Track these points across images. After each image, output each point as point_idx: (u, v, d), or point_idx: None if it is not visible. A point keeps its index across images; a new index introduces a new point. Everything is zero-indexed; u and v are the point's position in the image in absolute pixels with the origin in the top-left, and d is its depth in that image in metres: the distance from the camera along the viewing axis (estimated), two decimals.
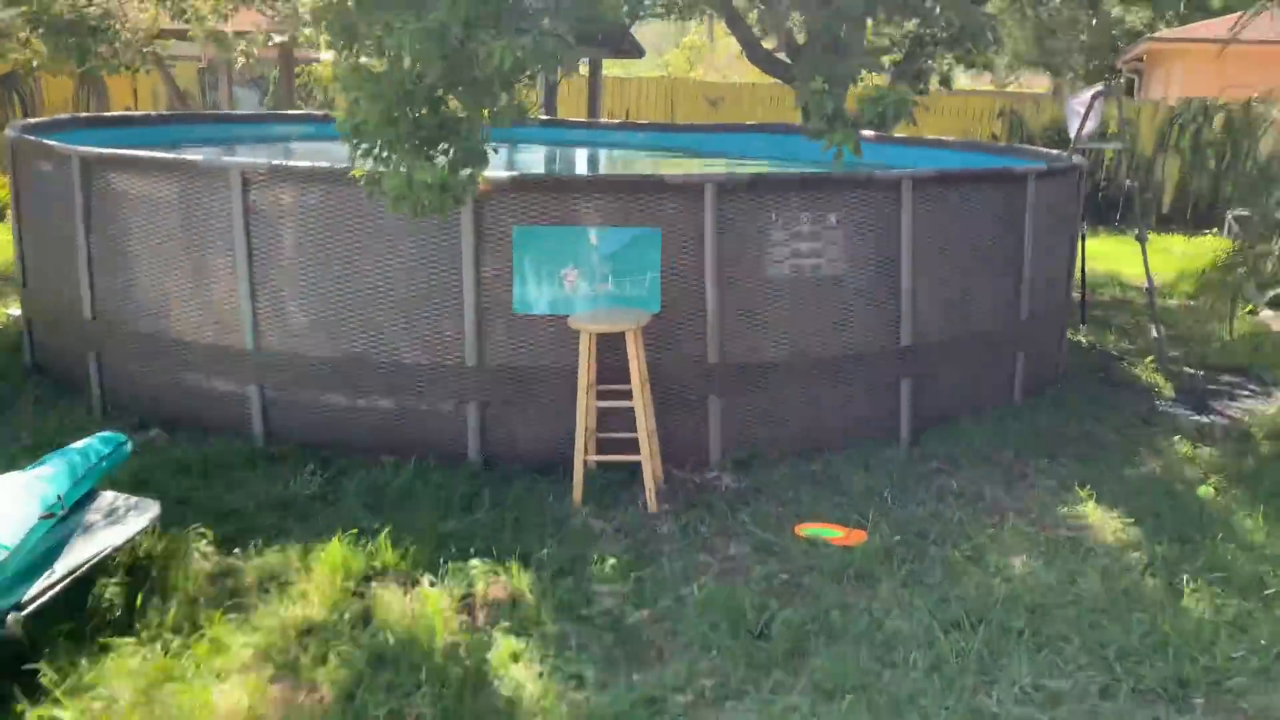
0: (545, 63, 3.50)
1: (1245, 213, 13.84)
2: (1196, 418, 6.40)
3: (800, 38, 12.70)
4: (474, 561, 3.98)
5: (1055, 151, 8.19)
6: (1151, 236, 14.58)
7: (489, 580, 3.88)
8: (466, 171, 3.71)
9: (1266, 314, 9.14)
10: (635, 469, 4.77)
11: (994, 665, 3.53)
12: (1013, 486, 5.14)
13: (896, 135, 11.16)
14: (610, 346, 4.86)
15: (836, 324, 5.34)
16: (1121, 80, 23.40)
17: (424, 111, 3.54)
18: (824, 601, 3.90)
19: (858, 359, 5.42)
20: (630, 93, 19.28)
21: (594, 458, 4.79)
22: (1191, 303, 9.95)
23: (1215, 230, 15.17)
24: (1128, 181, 7.00)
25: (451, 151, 3.67)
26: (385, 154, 3.47)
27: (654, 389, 5.01)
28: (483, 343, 4.90)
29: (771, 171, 4.91)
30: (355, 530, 4.17)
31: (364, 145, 3.56)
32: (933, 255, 5.59)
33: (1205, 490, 5.12)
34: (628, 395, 4.71)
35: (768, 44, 13.37)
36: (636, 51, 16.63)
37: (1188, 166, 15.72)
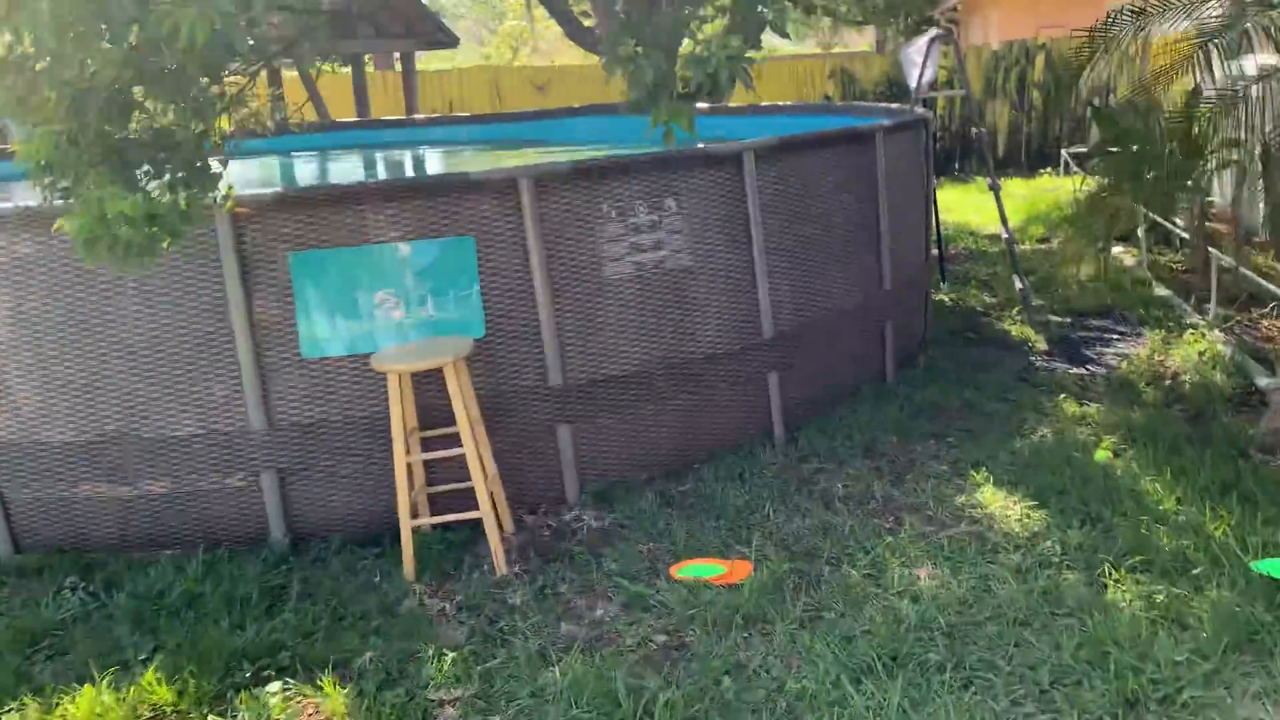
0: (263, 45, 2.70)
1: (1082, 149, 14.01)
2: (1075, 370, 6.08)
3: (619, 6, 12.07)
4: (273, 686, 3.15)
5: (895, 105, 7.79)
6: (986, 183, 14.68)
7: (293, 708, 3.07)
8: (181, 195, 2.84)
9: (1116, 250, 9.04)
10: (479, 524, 4.02)
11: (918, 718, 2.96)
12: (902, 478, 4.62)
13: (730, 105, 10.68)
14: (433, 382, 4.08)
15: (691, 322, 4.69)
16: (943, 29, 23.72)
17: (125, 122, 2.68)
18: (712, 665, 3.25)
19: (719, 358, 4.80)
20: (451, 85, 18.26)
21: (425, 520, 4.01)
22: (1043, 246, 9.81)
23: (1050, 170, 15.38)
24: (974, 130, 6.57)
25: (169, 172, 2.82)
26: (69, 185, 2.60)
27: (492, 425, 4.26)
28: (269, 400, 4.03)
29: (595, 158, 4.19)
30: (119, 664, 3.28)
31: (48, 178, 2.67)
32: (786, 232, 5.01)
33: (1102, 454, 4.72)
34: (459, 440, 3.95)
35: (588, 21, 12.68)
36: (450, 41, 15.65)
37: (1016, 109, 15.87)
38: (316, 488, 4.17)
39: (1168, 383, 5.72)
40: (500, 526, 4.18)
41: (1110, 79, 15.42)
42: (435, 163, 8.83)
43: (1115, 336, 6.77)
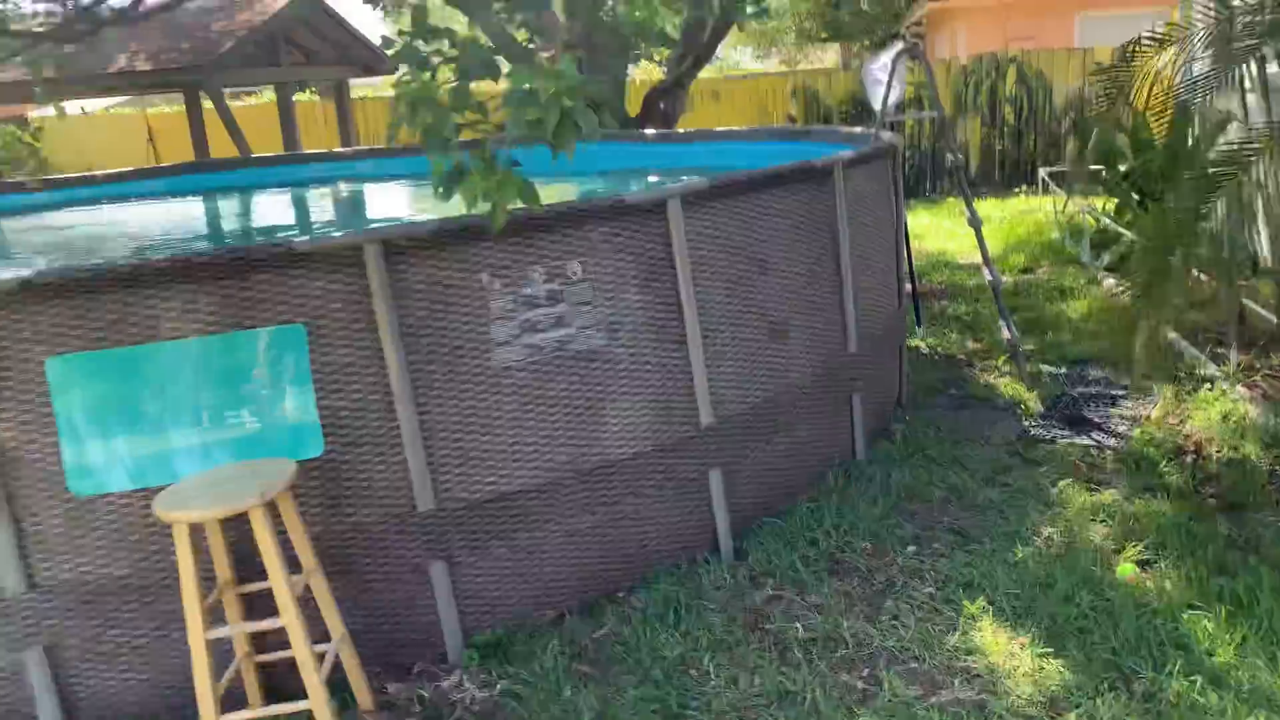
0: None
1: (1061, 168, 13.20)
2: (1078, 440, 5.13)
3: (565, 32, 11.16)
4: None
5: (859, 130, 6.87)
6: (959, 205, 13.83)
7: None
8: None
9: (1109, 282, 8.15)
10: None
11: None
12: (878, 609, 3.64)
13: (677, 131, 9.76)
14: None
15: (607, 416, 3.71)
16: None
17: None
18: None
19: (646, 458, 3.81)
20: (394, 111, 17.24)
21: (241, 716, 2.97)
22: (1027, 276, 8.91)
23: (1025, 188, 14.57)
24: (949, 156, 5.64)
25: None
26: None
27: (341, 569, 3.25)
28: (26, 554, 3.00)
29: (474, 215, 3.20)
30: None
31: None
32: (726, 294, 4.05)
33: (1127, 568, 3.76)
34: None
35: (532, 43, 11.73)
36: (390, 68, 14.68)
37: (988, 125, 15.07)
38: (102, 668, 3.14)
39: (1191, 457, 4.78)
40: (356, 703, 3.17)
41: (1086, 93, 14.65)
42: (323, 208, 7.75)
43: (1119, 392, 5.84)
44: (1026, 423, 5.45)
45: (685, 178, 4.10)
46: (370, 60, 14.33)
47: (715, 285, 4.00)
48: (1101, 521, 4.19)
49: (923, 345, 7.06)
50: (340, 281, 3.20)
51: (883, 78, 5.99)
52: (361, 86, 30.22)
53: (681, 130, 9.85)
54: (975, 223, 5.90)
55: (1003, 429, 5.36)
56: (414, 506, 3.36)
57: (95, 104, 21.15)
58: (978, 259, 9.23)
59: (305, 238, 3.11)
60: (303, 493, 3.22)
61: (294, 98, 15.77)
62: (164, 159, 15.82)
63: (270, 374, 3.15)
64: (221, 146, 13.04)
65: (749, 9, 9.45)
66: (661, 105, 11.38)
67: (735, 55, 32.69)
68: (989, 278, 5.98)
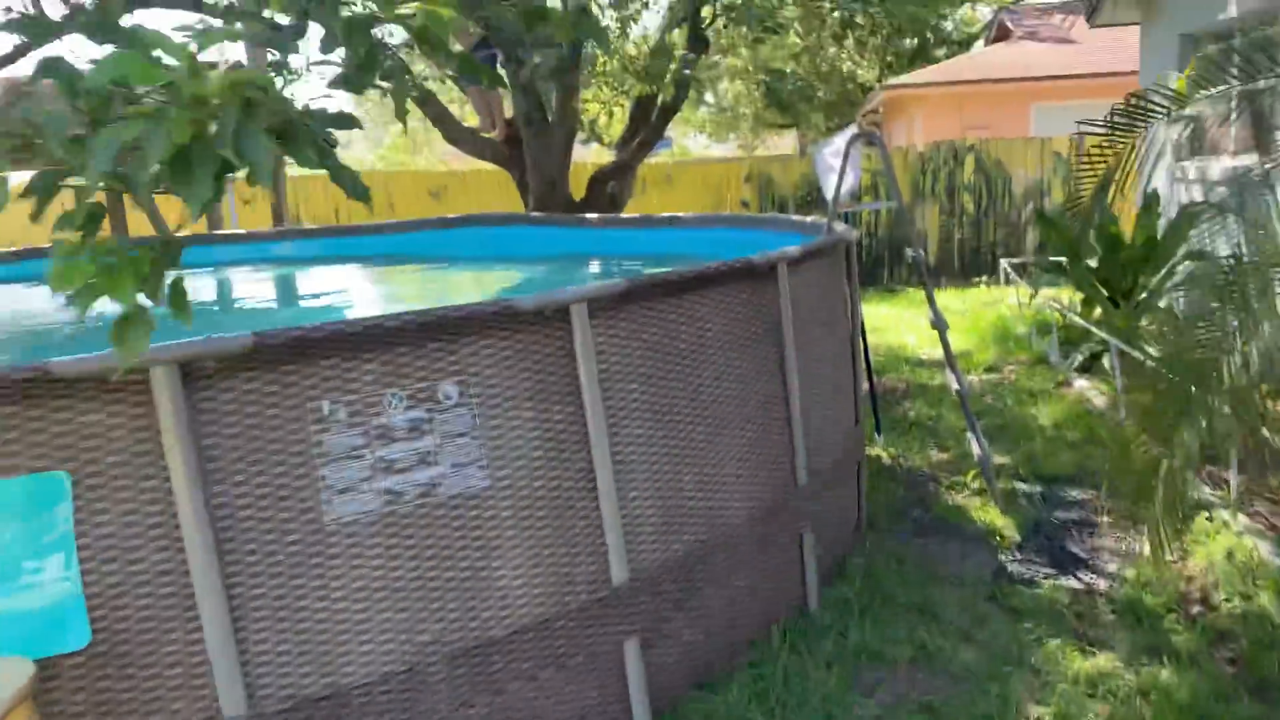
0: None
1: (1024, 260, 12.79)
2: (1063, 581, 4.41)
3: (507, 108, 10.61)
4: None
5: (811, 218, 6.27)
6: (922, 294, 13.35)
7: None
8: None
9: (1081, 384, 7.56)
10: None
11: None
12: None
13: (624, 215, 9.17)
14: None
15: (490, 580, 2.92)
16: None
17: None
18: None
19: (541, 630, 3.02)
20: (336, 191, 16.61)
21: None
22: (992, 376, 8.30)
23: (986, 278, 14.16)
24: (910, 253, 5.02)
25: None
26: None
27: None
28: None
29: (314, 324, 2.44)
30: None
31: None
32: (645, 419, 3.31)
33: None
34: None
35: (472, 120, 11.19)
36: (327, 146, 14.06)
37: (946, 213, 14.73)
38: None
39: (1198, 608, 4.07)
40: None
41: (1045, 182, 14.40)
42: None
43: (1106, 518, 5.15)
44: (1003, 556, 4.73)
45: (607, 276, 3.41)
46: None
47: (632, 409, 3.26)
48: (1102, 699, 3.44)
49: (883, 455, 6.36)
50: (123, 414, 2.42)
51: (836, 164, 5.40)
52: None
53: (626, 215, 9.26)
54: (940, 325, 5.26)
55: (976, 564, 4.63)
56: (219, 711, 2.53)
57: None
58: (940, 354, 8.63)
59: (71, 357, 2.34)
60: (55, 702, 2.38)
61: (232, 176, 15.09)
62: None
63: (20, 537, 2.34)
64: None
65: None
66: (609, 188, 10.83)
67: (690, 142, 32.69)
68: (956, 387, 5.31)
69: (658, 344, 3.36)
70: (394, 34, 8.33)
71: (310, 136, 1.62)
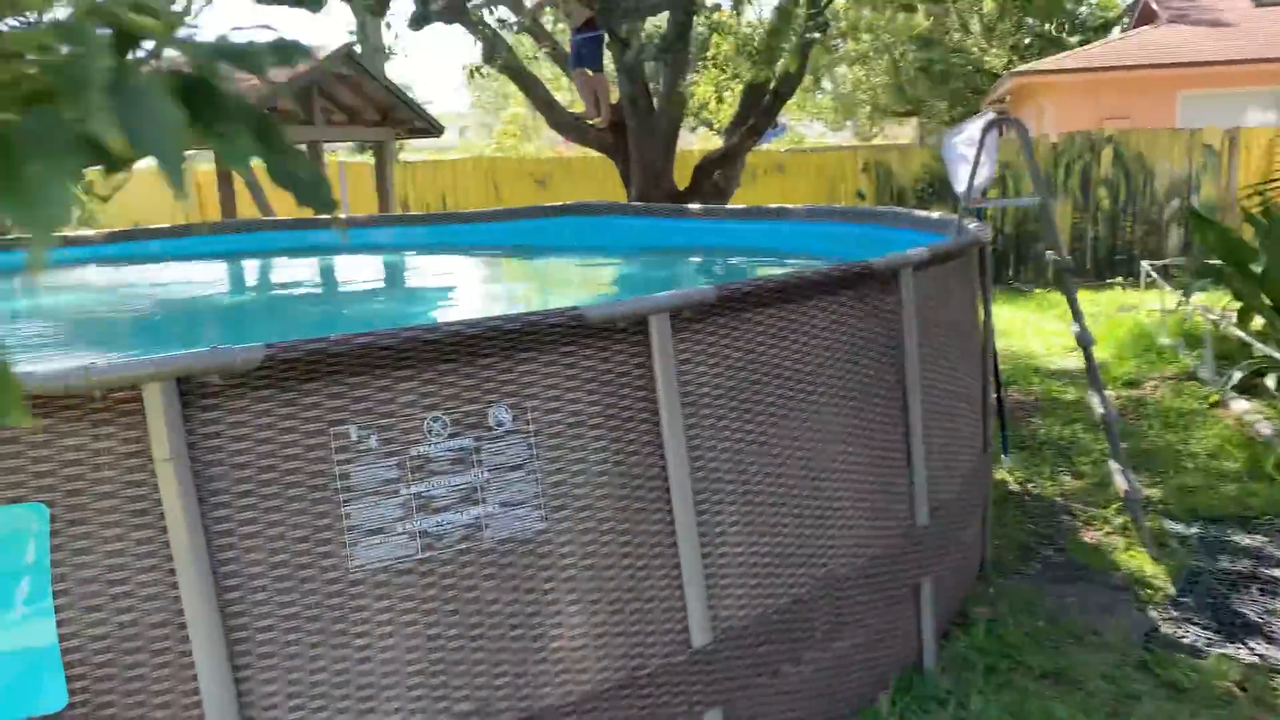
0: None
1: (1168, 261, 11.75)
2: (1230, 650, 3.73)
3: (614, 93, 10.17)
4: None
5: (937, 214, 5.63)
6: (1051, 296, 12.38)
7: None
8: None
9: (1240, 406, 6.69)
10: None
11: None
12: None
13: (729, 207, 8.63)
14: None
15: (543, 638, 2.47)
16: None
17: None
18: None
19: (603, 701, 2.55)
20: (445, 176, 16.53)
21: None
22: (1133, 392, 7.48)
23: (1122, 279, 13.09)
24: (1052, 256, 4.35)
25: None
26: None
27: None
28: None
29: (335, 336, 2.02)
30: None
31: None
32: (734, 451, 2.81)
33: None
34: None
35: (578, 107, 10.81)
36: (433, 130, 13.92)
37: (1080, 209, 13.68)
38: None
39: None
40: None
41: (1194, 177, 13.22)
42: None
43: (1276, 568, 4.41)
44: (1154, 613, 4.05)
45: (706, 272, 2.92)
46: (414, 123, 13.56)
47: (720, 439, 2.76)
48: None
49: (1010, 478, 5.70)
50: (113, 438, 2.05)
51: (969, 153, 4.76)
52: (425, 149, 30.01)
53: (731, 206, 8.71)
54: (1085, 340, 4.59)
55: (1123, 621, 3.97)
56: None
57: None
58: (1073, 362, 7.87)
59: (51, 369, 1.97)
60: None
61: (347, 159, 15.15)
62: (194, 217, 15.22)
63: None
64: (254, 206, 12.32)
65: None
66: (715, 176, 10.29)
67: (805, 129, 31.77)
68: (1101, 410, 4.62)
69: (753, 363, 2.84)
70: None
71: (246, 110, 1.06)
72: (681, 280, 7.16)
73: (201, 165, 17.50)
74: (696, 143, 21.96)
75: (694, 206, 8.20)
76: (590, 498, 2.51)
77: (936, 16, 21.10)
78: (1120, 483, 4.69)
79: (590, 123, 10.05)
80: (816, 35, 8.76)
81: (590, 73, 9.72)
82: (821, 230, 7.02)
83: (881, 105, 26.35)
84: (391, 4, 6.83)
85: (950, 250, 3.74)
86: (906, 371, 3.40)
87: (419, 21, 6.06)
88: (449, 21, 6.30)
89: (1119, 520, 4.99)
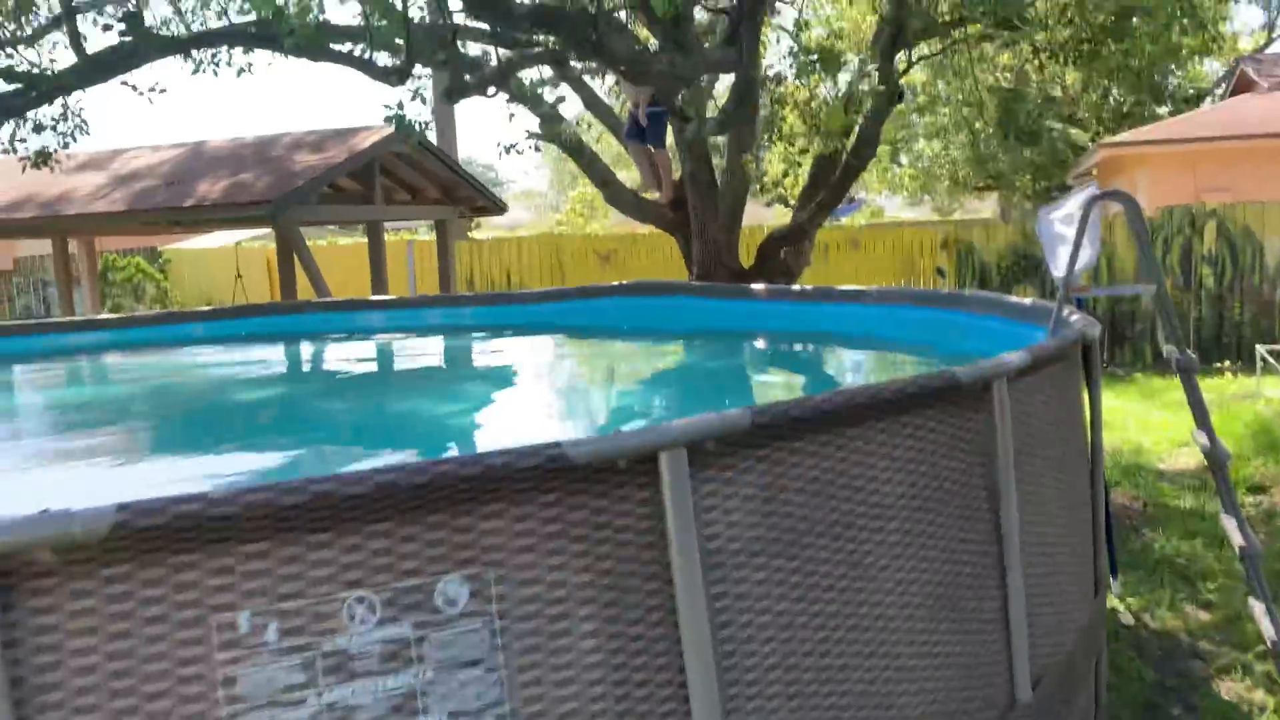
0: None
1: None
2: None
3: (678, 169, 9.73)
4: None
5: (1029, 300, 4.94)
6: (1154, 382, 11.40)
7: None
8: None
9: None
10: None
11: None
12: None
13: (794, 288, 8.02)
14: None
15: None
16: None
17: None
18: None
19: None
20: (509, 253, 16.30)
21: None
22: (1260, 499, 6.55)
23: (1231, 365, 12.02)
24: (1172, 354, 3.60)
25: None
26: None
27: None
28: None
29: (230, 491, 1.45)
30: None
31: None
32: (777, 634, 2.14)
33: None
34: None
35: (637, 185, 10.38)
36: (497, 208, 13.69)
37: (1181, 289, 12.71)
38: None
39: None
40: None
41: None
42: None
43: None
44: None
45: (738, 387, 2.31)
46: (477, 201, 13.34)
47: (754, 609, 2.11)
48: None
49: (1122, 608, 4.87)
50: None
51: (1069, 232, 4.08)
52: (499, 227, 30.11)
53: (797, 287, 8.10)
54: (1219, 459, 3.81)
55: None
56: None
57: (230, 236, 21.21)
58: (1185, 458, 7.03)
59: None
60: None
61: (419, 238, 15.02)
62: (252, 297, 15.18)
63: None
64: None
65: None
66: (782, 254, 9.71)
67: (884, 203, 31.11)
68: (1241, 542, 3.81)
69: (800, 507, 2.20)
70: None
71: None
72: (727, 372, 6.54)
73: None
74: (772, 218, 21.50)
75: (756, 286, 7.62)
76: (579, 701, 1.88)
77: (1018, 84, 20.42)
78: (1267, 629, 3.85)
79: (649, 198, 9.61)
80: (882, 110, 8.20)
81: (652, 149, 9.32)
82: (896, 315, 6.38)
83: (961, 179, 25.59)
84: (488, 89, 6.50)
85: (1054, 352, 3.05)
86: (1001, 509, 2.71)
87: (453, 94, 5.69)
88: (486, 94, 5.92)
89: (1261, 668, 4.14)
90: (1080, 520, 3.42)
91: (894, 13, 8.22)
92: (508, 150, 7.15)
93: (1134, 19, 8.27)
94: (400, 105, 4.96)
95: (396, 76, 5.21)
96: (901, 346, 6.08)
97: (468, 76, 5.46)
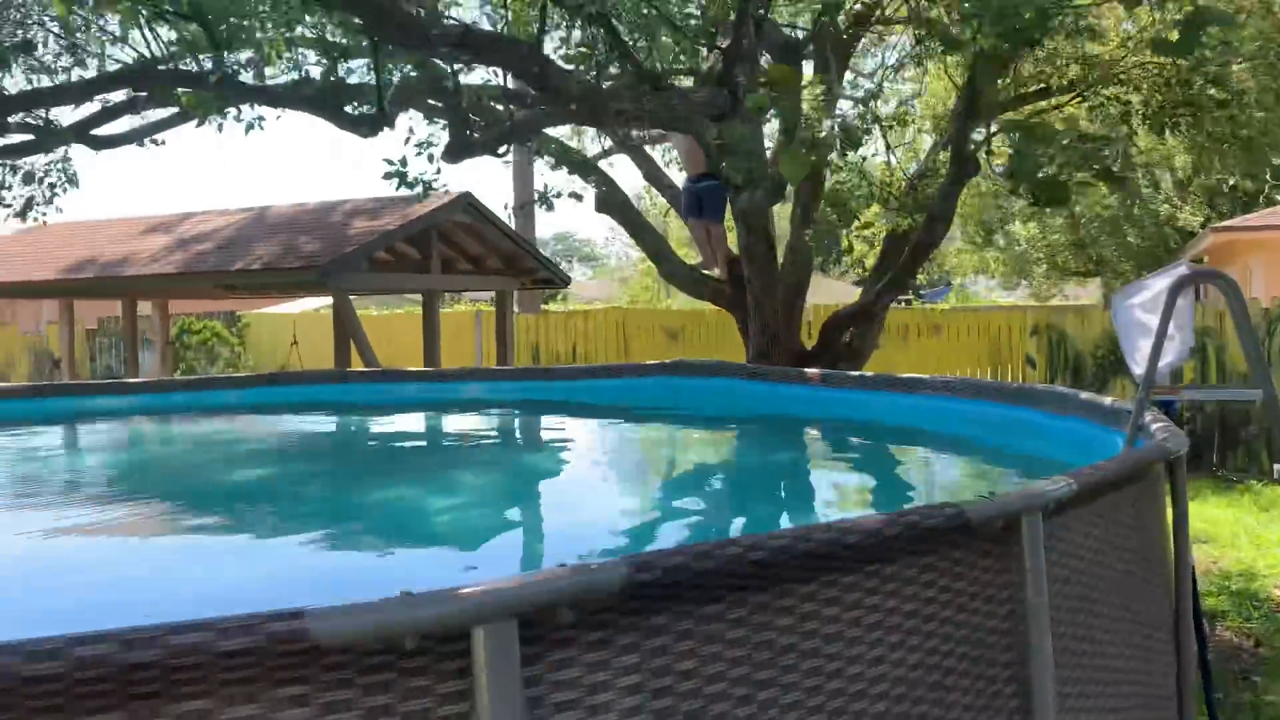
0: None
1: None
2: None
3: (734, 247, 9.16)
4: None
5: (1109, 401, 4.17)
6: (1274, 491, 10.17)
7: None
8: None
9: None
10: None
11: None
12: None
13: (852, 373, 7.31)
14: None
15: None
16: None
17: None
18: None
19: None
20: (576, 327, 15.89)
21: None
22: None
23: None
24: (1278, 468, 2.80)
25: None
26: None
27: None
28: None
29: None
30: None
31: None
32: None
33: None
34: None
35: (696, 259, 9.84)
36: (560, 281, 13.33)
37: None
38: None
39: None
40: None
41: None
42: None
43: None
44: None
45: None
46: (539, 273, 12.99)
47: None
48: None
49: None
50: None
51: (1151, 320, 3.33)
52: (572, 298, 29.94)
53: (853, 373, 7.38)
54: None
55: None
56: None
57: (311, 303, 21.37)
58: None
59: None
60: None
61: (481, 309, 14.78)
62: (308, 363, 15.06)
63: None
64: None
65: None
66: (848, 335, 8.99)
67: (975, 287, 29.94)
68: None
69: (708, 707, 1.52)
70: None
71: None
72: (715, 470, 5.84)
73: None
74: (854, 297, 20.70)
75: (811, 371, 6.96)
76: None
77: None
78: None
79: (705, 274, 9.05)
80: (956, 184, 7.53)
81: (708, 224, 8.81)
82: (961, 409, 5.65)
83: (1060, 264, 24.44)
84: (498, 148, 6.13)
85: (1113, 478, 2.32)
86: (1033, 683, 1.98)
87: (455, 153, 5.25)
88: (494, 154, 5.48)
89: None
90: (1158, 690, 2.63)
91: (968, 80, 7.59)
92: (535, 204, 6.75)
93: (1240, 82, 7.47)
94: (404, 162, 4.56)
95: (368, 127, 4.79)
96: (956, 446, 5.34)
97: (474, 134, 5.03)
